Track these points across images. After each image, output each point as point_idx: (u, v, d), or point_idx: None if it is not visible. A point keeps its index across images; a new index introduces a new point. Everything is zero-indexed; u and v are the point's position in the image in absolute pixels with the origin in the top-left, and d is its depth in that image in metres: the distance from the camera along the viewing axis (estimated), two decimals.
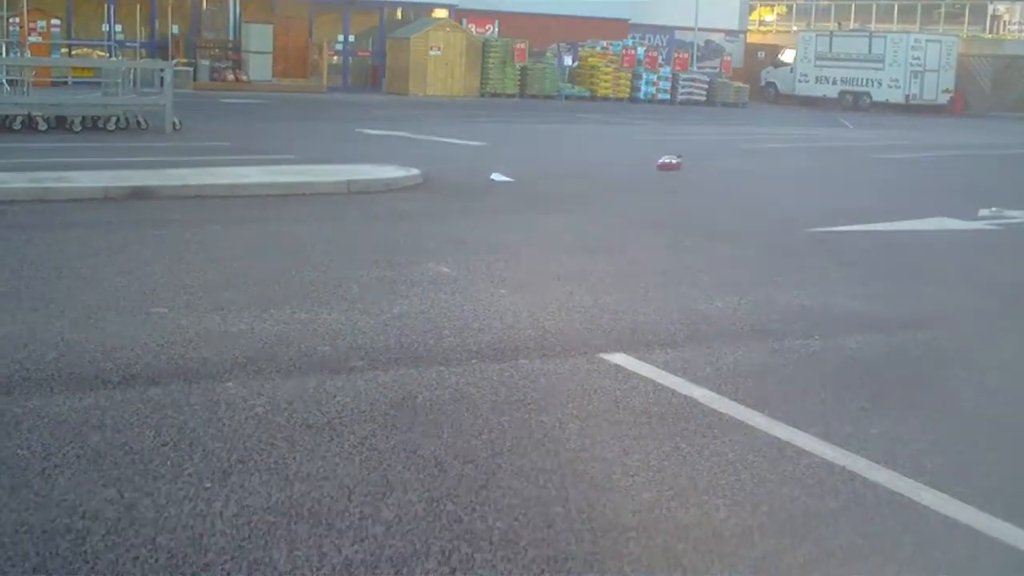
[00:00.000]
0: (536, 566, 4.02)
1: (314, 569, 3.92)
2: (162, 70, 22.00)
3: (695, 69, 49.40)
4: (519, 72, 43.43)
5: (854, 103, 48.78)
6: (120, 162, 15.26)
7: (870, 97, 48.72)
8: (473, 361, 6.63)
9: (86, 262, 9.14)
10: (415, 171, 15.33)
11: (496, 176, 15.77)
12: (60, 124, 19.98)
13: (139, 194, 12.76)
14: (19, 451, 4.89)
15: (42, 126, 19.65)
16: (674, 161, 18.10)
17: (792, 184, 18.02)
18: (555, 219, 12.65)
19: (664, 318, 7.93)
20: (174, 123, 20.70)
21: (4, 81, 21.31)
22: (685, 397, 6.10)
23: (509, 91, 43.10)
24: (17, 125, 19.42)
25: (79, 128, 19.88)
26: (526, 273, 9.40)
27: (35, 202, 12.08)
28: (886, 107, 47.58)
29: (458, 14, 44.59)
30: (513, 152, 20.66)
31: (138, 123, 20.83)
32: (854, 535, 4.47)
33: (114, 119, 20.46)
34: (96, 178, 13.38)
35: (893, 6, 56.18)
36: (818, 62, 50.65)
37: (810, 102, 50.06)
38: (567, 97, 43.72)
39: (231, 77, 38.99)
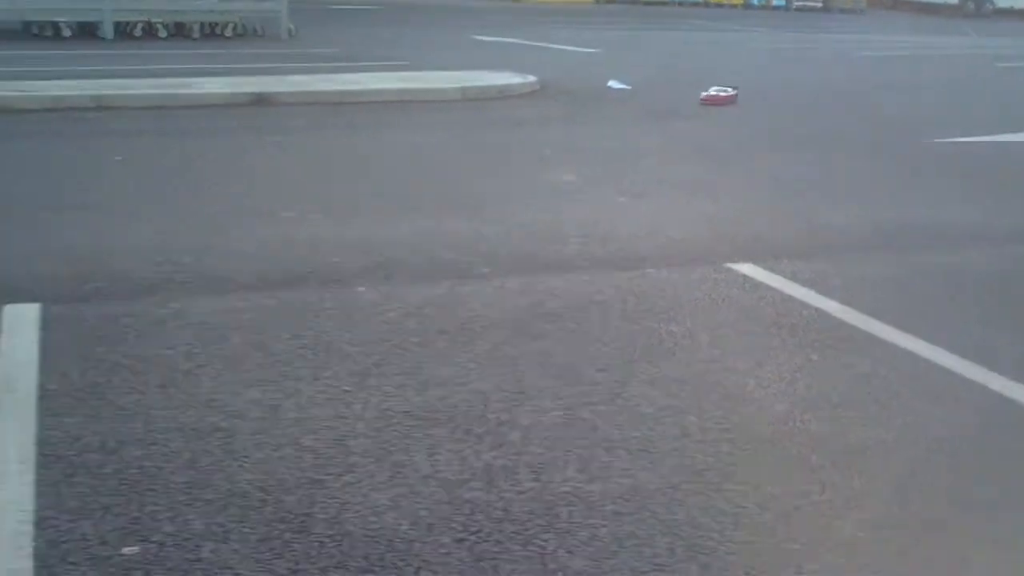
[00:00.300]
0: (674, 476, 4.03)
1: (455, 473, 3.98)
2: None
3: None
4: None
5: (976, 9, 47.13)
6: (240, 68, 15.40)
7: (993, 3, 47.06)
8: (600, 269, 6.63)
9: (213, 168, 9.29)
10: (531, 78, 15.25)
11: (613, 83, 15.62)
12: (179, 31, 20.20)
13: (260, 100, 12.89)
14: (166, 351, 5.02)
15: (162, 33, 19.90)
16: (722, 93, 14.49)
17: (912, 93, 17.55)
18: (674, 127, 12.53)
19: (788, 228, 7.84)
20: (289, 29, 20.81)
21: None
22: (815, 309, 6.04)
23: None
24: (138, 32, 19.69)
25: (198, 35, 20.09)
26: (647, 181, 9.34)
27: (160, 108, 12.28)
28: (1011, 13, 45.90)
29: None
30: (628, 59, 20.42)
31: (254, 30, 20.98)
32: (992, 453, 4.40)
33: (231, 25, 20.63)
34: (218, 84, 13.54)
35: None
36: None
37: (930, 8, 48.48)
38: (680, 3, 43.00)
39: None
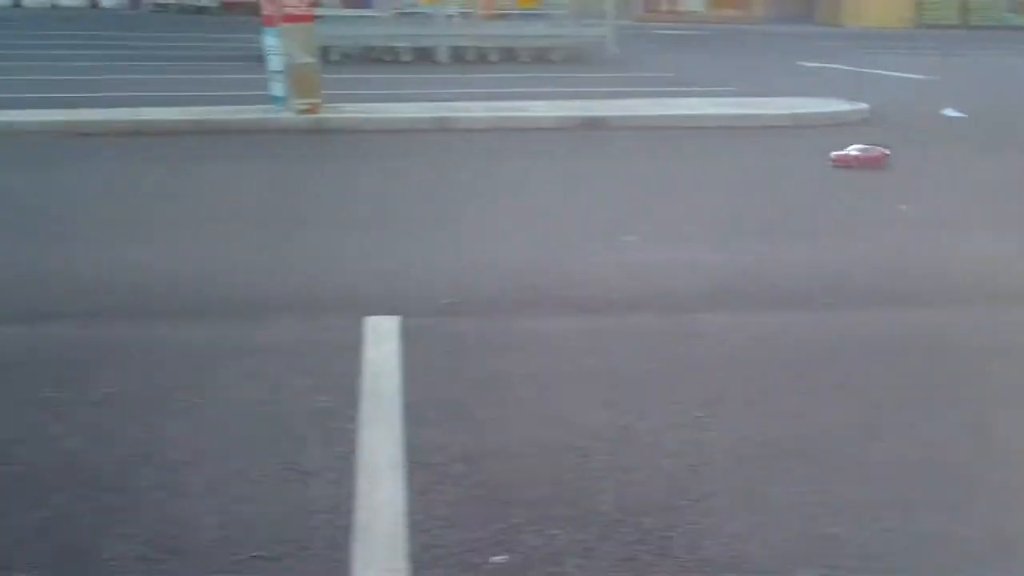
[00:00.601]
0: None
1: (813, 506, 3.91)
2: (603, 1, 22.44)
3: None
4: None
5: None
6: (569, 92, 15.70)
7: None
8: (949, 304, 6.40)
9: (550, 189, 9.52)
10: (862, 105, 14.89)
11: (948, 111, 15.06)
12: (509, 55, 20.79)
13: (591, 124, 13.11)
14: (520, 368, 5.16)
15: (492, 57, 20.53)
16: (857, 153, 11.03)
17: None
18: (1018, 157, 11.95)
19: None
20: (614, 54, 21.09)
21: (457, 13, 22.39)
22: None
23: (949, 21, 41.00)
24: (471, 56, 20.40)
25: (527, 59, 20.63)
26: (995, 215, 8.93)
27: (497, 131, 12.67)
28: None
29: None
30: (961, 86, 19.63)
31: (581, 54, 21.36)
32: None
33: (558, 50, 21.07)
34: (549, 108, 13.87)
35: None
36: None
37: None
38: (1012, 27, 41.08)
39: (664, 7, 39.25)
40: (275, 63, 13.00)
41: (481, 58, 20.51)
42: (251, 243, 7.54)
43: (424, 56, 20.42)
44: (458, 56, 20.41)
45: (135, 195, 9.18)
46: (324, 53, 17.69)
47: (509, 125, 12.93)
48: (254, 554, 3.55)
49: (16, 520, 3.74)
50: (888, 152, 11.08)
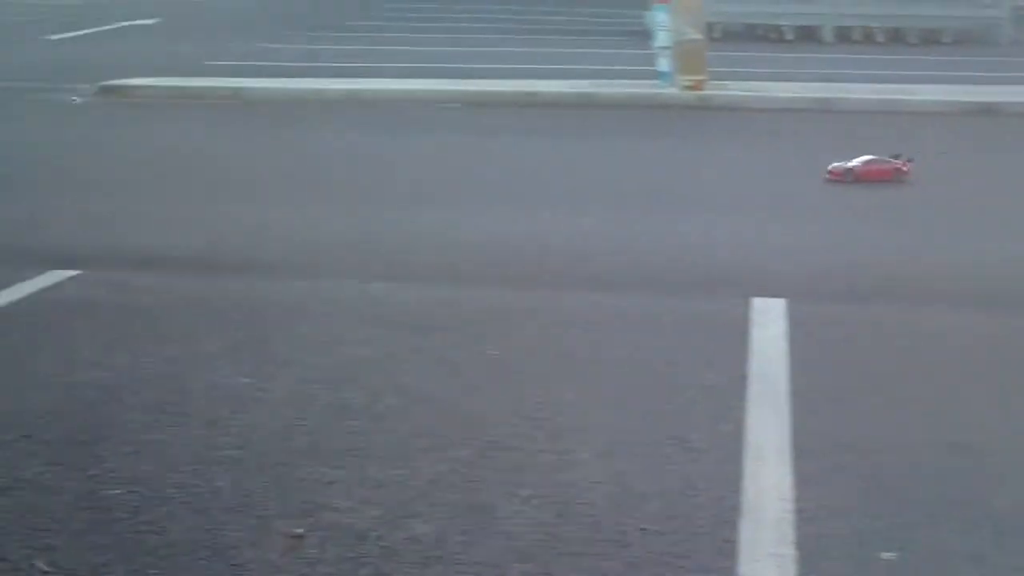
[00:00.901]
0: None
1: None
2: None
3: None
4: None
5: None
6: (959, 76, 15.04)
7: None
8: None
9: (938, 176, 9.17)
10: None
11: None
12: (896, 36, 20.08)
13: (983, 110, 12.55)
14: (905, 361, 5.07)
15: (879, 38, 19.90)
16: (855, 165, 8.93)
17: None
18: None
19: None
20: (1011, 37, 20.00)
21: None
22: None
23: None
24: (856, 36, 19.86)
25: (915, 40, 19.88)
26: None
27: (879, 114, 12.35)
28: None
29: None
30: None
31: (973, 37, 20.37)
32: None
33: (949, 32, 20.18)
34: (938, 92, 13.37)
35: None
36: None
37: None
38: None
39: None
40: (663, 39, 13.13)
41: (867, 38, 19.88)
42: (641, 218, 7.68)
43: (808, 35, 20.00)
44: (843, 35, 19.87)
45: (527, 165, 9.50)
46: (707, 29, 17.72)
47: (895, 108, 12.54)
48: (643, 527, 3.63)
49: (418, 472, 3.98)
50: (904, 166, 8.99)
